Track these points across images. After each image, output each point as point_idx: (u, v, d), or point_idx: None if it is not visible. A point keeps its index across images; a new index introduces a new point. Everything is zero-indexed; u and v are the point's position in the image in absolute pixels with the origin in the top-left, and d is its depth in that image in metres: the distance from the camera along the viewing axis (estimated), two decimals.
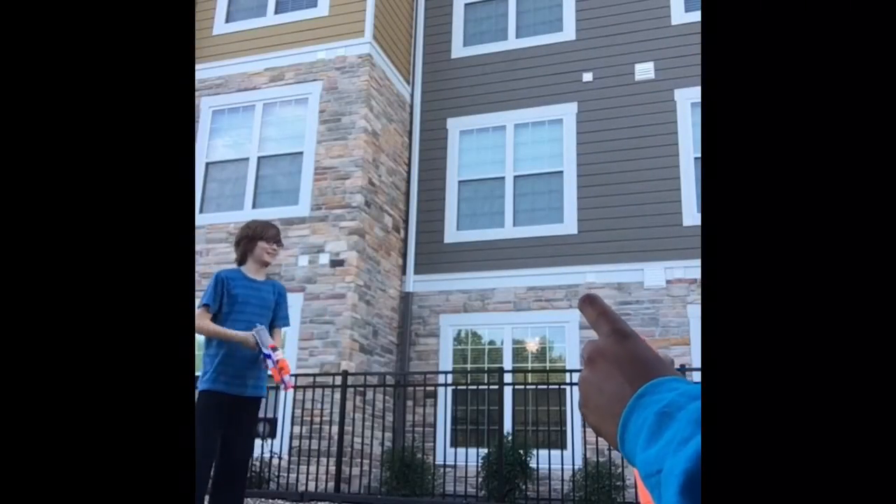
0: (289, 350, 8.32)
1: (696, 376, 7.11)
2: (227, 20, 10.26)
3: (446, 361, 9.21)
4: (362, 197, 8.82)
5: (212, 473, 3.62)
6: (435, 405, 8.30)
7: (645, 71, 9.48)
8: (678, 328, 8.46)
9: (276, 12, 10.03)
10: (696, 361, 7.93)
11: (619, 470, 6.97)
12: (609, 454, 7.02)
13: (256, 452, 7.06)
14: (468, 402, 8.71)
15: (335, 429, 7.35)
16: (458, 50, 10.55)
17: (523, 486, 7.09)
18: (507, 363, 8.94)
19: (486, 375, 8.29)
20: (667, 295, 8.62)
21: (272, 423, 7.91)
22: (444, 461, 7.55)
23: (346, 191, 8.85)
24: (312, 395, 7.61)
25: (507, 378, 8.08)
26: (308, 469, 7.36)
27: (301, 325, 8.38)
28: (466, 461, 7.25)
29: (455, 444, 8.52)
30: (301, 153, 9.22)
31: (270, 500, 6.53)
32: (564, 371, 7.88)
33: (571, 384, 7.08)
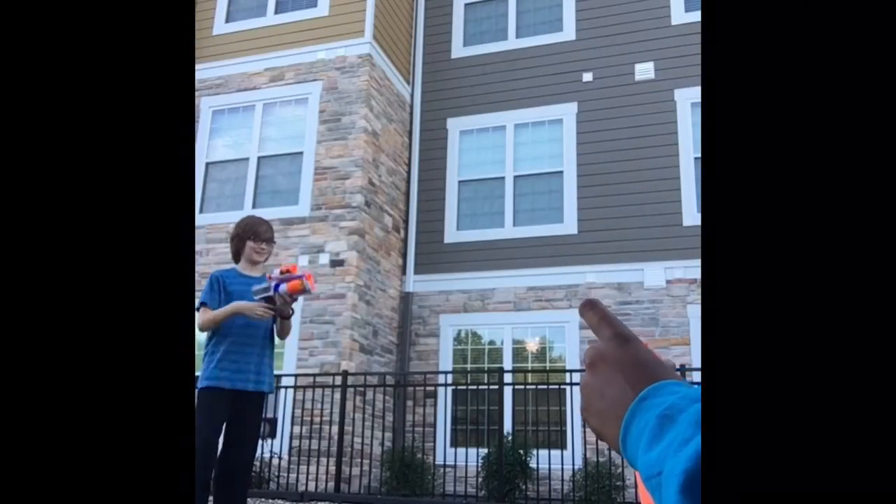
0: (289, 350, 8.33)
1: (696, 376, 7.11)
2: (227, 20, 10.26)
3: (446, 361, 9.21)
4: (362, 197, 8.82)
5: (214, 473, 3.57)
6: (435, 405, 8.30)
7: (645, 71, 9.48)
8: (678, 328, 8.46)
9: (276, 12, 10.03)
10: (696, 361, 7.93)
11: (619, 470, 6.97)
12: (609, 454, 7.02)
13: (256, 452, 7.06)
14: (468, 402, 8.72)
15: (335, 429, 7.36)
16: (458, 50, 10.56)
17: (523, 486, 7.09)
18: (507, 363, 8.94)
19: (486, 375, 8.30)
20: (667, 295, 8.62)
21: (272, 422, 7.91)
22: (444, 461, 7.55)
23: (346, 191, 8.85)
24: (312, 395, 7.61)
25: (507, 378, 8.08)
26: (308, 469, 7.36)
27: (301, 325, 8.39)
28: (466, 461, 7.25)
29: (455, 444, 8.53)
30: (301, 153, 9.22)
31: (270, 500, 6.53)
32: (564, 371, 7.88)
33: (571, 384, 7.09)
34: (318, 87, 9.41)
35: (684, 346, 8.31)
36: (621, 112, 9.42)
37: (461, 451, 7.80)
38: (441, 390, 8.31)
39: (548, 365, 8.92)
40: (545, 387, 7.71)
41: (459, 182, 9.95)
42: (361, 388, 7.88)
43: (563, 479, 7.29)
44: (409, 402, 8.71)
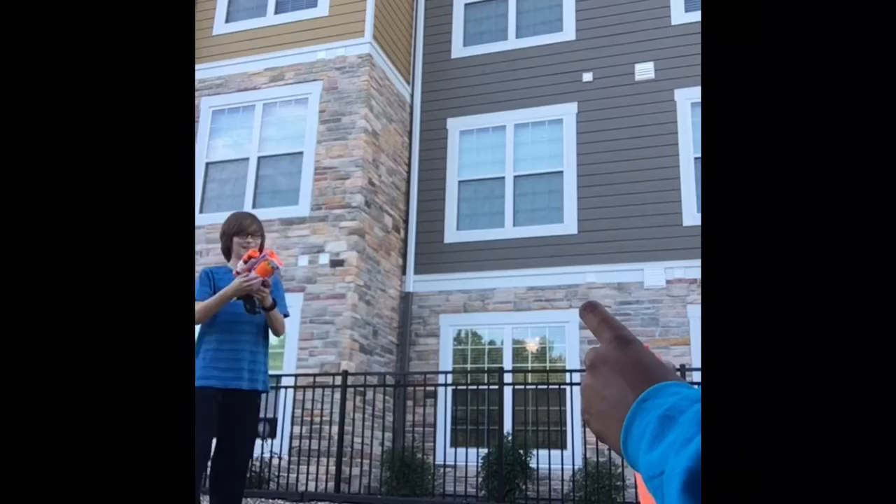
0: (289, 350, 8.33)
1: (696, 376, 7.11)
2: (227, 20, 10.26)
3: (446, 361, 9.21)
4: (362, 197, 8.82)
5: (209, 473, 3.55)
6: (435, 405, 8.30)
7: (645, 71, 9.48)
8: (678, 328, 8.46)
9: (276, 12, 10.03)
10: (696, 361, 7.93)
11: (619, 470, 6.97)
12: (609, 454, 7.02)
13: (256, 452, 7.06)
14: (468, 402, 8.72)
15: (335, 429, 7.36)
16: (458, 50, 10.56)
17: (523, 486, 7.09)
18: (507, 363, 8.94)
19: (486, 375, 8.30)
20: (667, 295, 8.62)
21: (272, 422, 7.91)
22: (444, 461, 7.55)
23: (346, 191, 8.85)
24: (312, 395, 7.61)
25: (507, 378, 8.08)
26: (308, 469, 7.36)
27: (301, 325, 8.39)
28: (466, 461, 7.25)
29: (455, 444, 8.53)
30: (301, 153, 9.22)
31: (270, 500, 6.53)
32: (564, 371, 7.88)
33: (571, 384, 7.09)
34: (318, 87, 9.41)
35: (684, 347, 8.31)
36: (621, 112, 9.42)
37: (461, 451, 7.80)
38: (441, 390, 8.32)
39: (548, 365, 8.92)
40: (545, 387, 7.71)
41: (459, 182, 9.95)
42: (361, 388, 7.88)
43: (563, 479, 7.29)
44: (409, 402, 8.71)
